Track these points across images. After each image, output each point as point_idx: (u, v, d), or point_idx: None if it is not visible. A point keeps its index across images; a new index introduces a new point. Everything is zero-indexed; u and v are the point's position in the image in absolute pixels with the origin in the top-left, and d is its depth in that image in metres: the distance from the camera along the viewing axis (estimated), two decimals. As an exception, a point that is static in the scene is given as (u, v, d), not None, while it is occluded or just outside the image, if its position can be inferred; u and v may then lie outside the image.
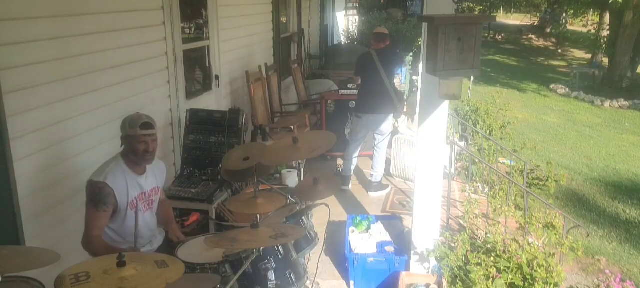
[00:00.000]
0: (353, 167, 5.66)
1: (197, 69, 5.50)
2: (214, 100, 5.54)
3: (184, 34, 4.89)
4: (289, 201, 3.25)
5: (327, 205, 3.09)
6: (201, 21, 5.46)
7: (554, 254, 3.30)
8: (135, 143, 2.79)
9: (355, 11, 14.17)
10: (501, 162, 5.95)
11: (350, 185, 5.62)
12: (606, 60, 14.80)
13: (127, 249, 2.72)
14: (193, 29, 5.35)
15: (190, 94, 5.08)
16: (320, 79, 8.78)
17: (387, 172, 5.77)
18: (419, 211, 3.57)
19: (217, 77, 5.61)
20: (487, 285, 3.12)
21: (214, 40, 5.53)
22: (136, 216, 2.76)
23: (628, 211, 5.78)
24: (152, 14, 4.29)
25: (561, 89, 13.26)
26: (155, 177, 3.03)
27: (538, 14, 27.82)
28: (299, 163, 4.90)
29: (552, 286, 3.08)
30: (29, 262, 2.02)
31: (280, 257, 2.78)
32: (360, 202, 5.32)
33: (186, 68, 4.94)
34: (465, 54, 2.61)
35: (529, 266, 3.16)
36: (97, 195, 2.72)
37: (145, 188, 2.93)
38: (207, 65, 5.54)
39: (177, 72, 4.67)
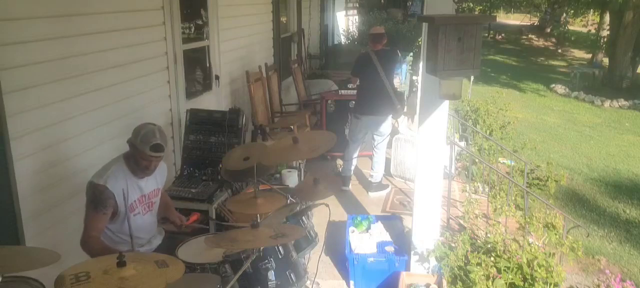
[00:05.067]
0: (353, 168, 5.65)
1: (197, 69, 5.50)
2: (214, 100, 5.53)
3: (183, 34, 4.88)
4: (289, 201, 3.25)
5: (327, 205, 3.09)
6: (201, 21, 5.46)
7: (554, 254, 3.30)
8: (140, 158, 2.78)
9: (355, 11, 14.17)
10: (501, 162, 5.95)
11: (350, 186, 5.61)
12: (606, 60, 14.80)
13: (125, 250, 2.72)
14: (193, 29, 5.35)
15: (190, 94, 5.08)
16: (320, 79, 8.78)
17: (387, 172, 5.77)
18: (419, 211, 3.57)
19: (217, 77, 5.61)
20: (487, 285, 3.12)
21: (214, 40, 5.53)
22: (129, 221, 2.75)
23: (628, 211, 5.78)
24: (152, 14, 4.29)
25: (561, 89, 13.26)
26: (156, 179, 3.03)
27: (538, 14, 27.79)
28: (299, 163, 4.90)
29: (552, 286, 3.08)
30: (29, 262, 2.02)
31: (280, 257, 2.78)
32: (360, 202, 5.32)
33: (186, 68, 4.95)
34: (465, 54, 2.61)
35: (529, 266, 3.16)
36: (98, 198, 2.71)
37: (145, 191, 2.93)
38: (207, 65, 5.53)
39: (177, 72, 4.67)
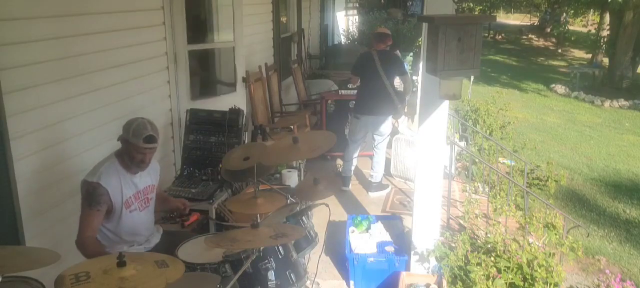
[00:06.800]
0: (353, 168, 5.65)
1: (209, 70, 5.36)
2: (240, 102, 5.24)
3: (191, 34, 4.76)
4: (289, 201, 3.25)
5: (327, 205, 3.09)
6: (205, 22, 5.38)
7: (554, 254, 3.31)
8: (134, 152, 2.79)
9: (355, 11, 14.17)
10: (501, 162, 5.95)
11: (350, 186, 5.61)
12: (606, 60, 14.80)
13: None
14: (201, 30, 5.24)
15: (205, 95, 4.91)
16: (320, 79, 8.78)
17: (387, 172, 5.77)
18: (419, 211, 3.57)
19: (244, 79, 5.36)
20: (487, 285, 3.12)
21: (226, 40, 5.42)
22: (122, 216, 2.75)
23: (628, 211, 5.78)
24: (152, 13, 4.29)
25: (561, 89, 13.26)
26: (150, 175, 3.04)
27: (538, 14, 27.81)
28: (299, 163, 4.89)
29: (552, 286, 3.08)
30: (29, 262, 2.02)
31: (280, 257, 2.78)
32: (360, 202, 5.32)
33: (200, 68, 4.80)
34: (465, 53, 2.61)
35: (529, 266, 3.16)
36: (91, 195, 2.72)
37: (139, 186, 2.94)
38: (232, 66, 5.35)
39: (178, 72, 4.66)
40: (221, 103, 4.75)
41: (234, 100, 5.18)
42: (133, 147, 2.77)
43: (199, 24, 5.38)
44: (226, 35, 5.51)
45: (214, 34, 5.60)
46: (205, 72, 5.40)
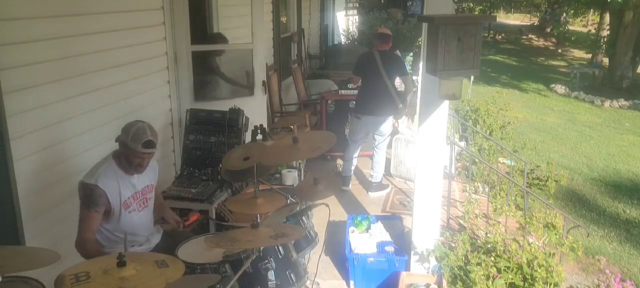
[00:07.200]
0: (353, 168, 5.65)
1: (232, 72, 5.15)
2: (258, 107, 4.99)
3: (198, 34, 4.72)
4: (289, 201, 3.25)
5: (327, 205, 3.09)
6: (205, 22, 5.33)
7: (554, 254, 3.31)
8: (132, 156, 2.79)
9: (355, 11, 14.17)
10: (501, 162, 5.95)
11: (350, 186, 5.61)
12: (606, 60, 14.80)
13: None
14: (217, 30, 5.12)
15: (216, 98, 4.76)
16: (320, 79, 8.78)
17: (387, 172, 5.77)
18: (419, 211, 3.57)
19: (264, 83, 5.03)
20: (487, 285, 3.12)
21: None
22: (121, 217, 2.73)
23: (628, 211, 5.78)
24: (152, 13, 4.29)
25: (561, 89, 13.26)
26: (148, 176, 3.04)
27: (538, 14, 27.81)
28: (299, 163, 4.89)
29: (552, 286, 3.09)
30: (29, 262, 2.02)
31: (280, 257, 2.78)
32: (360, 202, 5.32)
33: (211, 70, 4.71)
34: (465, 53, 2.61)
35: (529, 266, 3.16)
36: (89, 197, 2.73)
37: (138, 187, 2.94)
38: (249, 68, 5.05)
39: (179, 72, 4.65)
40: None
41: (251, 105, 4.81)
42: (131, 151, 2.77)
43: (207, 24, 5.27)
44: (242, 36, 5.23)
45: (226, 35, 5.47)
46: (216, 75, 5.25)
